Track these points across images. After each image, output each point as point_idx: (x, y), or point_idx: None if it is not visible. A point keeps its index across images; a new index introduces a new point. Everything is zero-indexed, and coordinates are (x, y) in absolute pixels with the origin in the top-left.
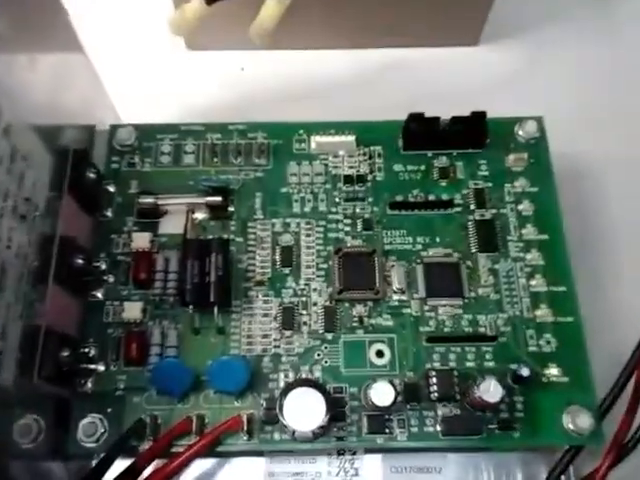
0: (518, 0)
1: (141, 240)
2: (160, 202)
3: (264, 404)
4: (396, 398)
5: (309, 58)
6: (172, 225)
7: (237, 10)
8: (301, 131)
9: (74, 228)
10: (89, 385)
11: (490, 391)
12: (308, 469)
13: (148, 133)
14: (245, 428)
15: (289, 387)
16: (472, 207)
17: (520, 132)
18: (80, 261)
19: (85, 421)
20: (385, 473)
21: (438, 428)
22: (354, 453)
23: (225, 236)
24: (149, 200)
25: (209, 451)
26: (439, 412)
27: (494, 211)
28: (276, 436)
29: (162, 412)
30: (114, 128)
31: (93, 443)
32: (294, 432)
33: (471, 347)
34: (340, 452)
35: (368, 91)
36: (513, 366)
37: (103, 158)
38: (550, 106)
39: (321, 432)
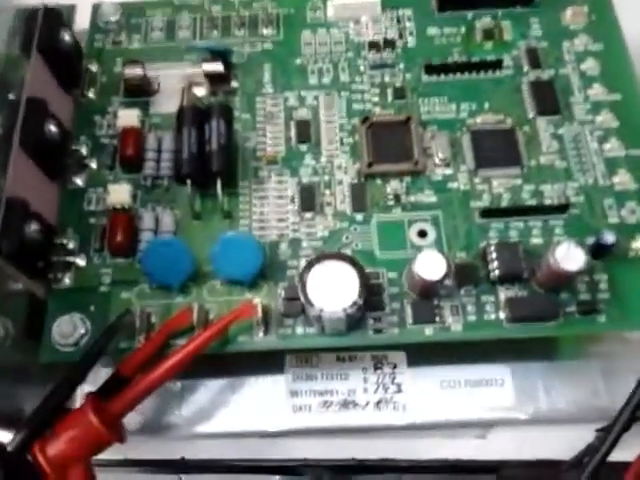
0: None
1: (128, 117)
2: (150, 73)
3: (283, 294)
4: (449, 270)
5: None
6: (165, 104)
7: None
8: None
9: (46, 93)
10: (67, 281)
11: (570, 256)
12: (338, 387)
13: (136, 9)
14: (260, 319)
15: (314, 261)
16: (525, 68)
17: None
18: (53, 129)
19: (61, 319)
20: (434, 389)
21: (502, 315)
22: (395, 367)
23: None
24: (137, 71)
25: (216, 349)
26: (502, 295)
27: (552, 72)
28: (299, 330)
29: (157, 308)
30: (97, 5)
31: (71, 347)
32: (321, 318)
33: (536, 221)
34: (377, 366)
35: None
36: (590, 239)
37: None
38: None
39: (355, 319)
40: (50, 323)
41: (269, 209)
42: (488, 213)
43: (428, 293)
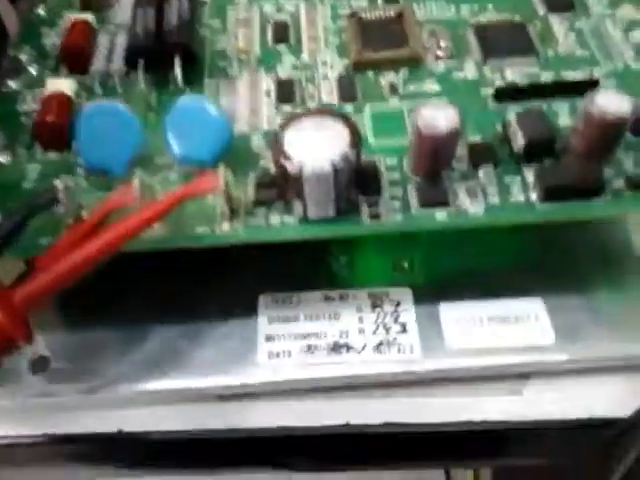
0: None
1: (79, 17)
2: None
3: (254, 182)
4: (460, 126)
5: None
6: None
7: None
8: None
9: None
10: None
11: (613, 100)
12: (326, 328)
13: None
14: (225, 202)
15: (293, 117)
16: None
17: None
18: None
19: None
20: (449, 327)
21: (532, 194)
22: (398, 304)
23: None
24: None
25: (162, 243)
26: (529, 174)
27: None
28: (274, 221)
29: (91, 201)
30: None
31: None
32: (302, 186)
33: (562, 102)
34: (376, 304)
35: None
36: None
37: None
38: None
39: (344, 197)
40: None
41: (239, 103)
42: (503, 94)
43: (437, 164)
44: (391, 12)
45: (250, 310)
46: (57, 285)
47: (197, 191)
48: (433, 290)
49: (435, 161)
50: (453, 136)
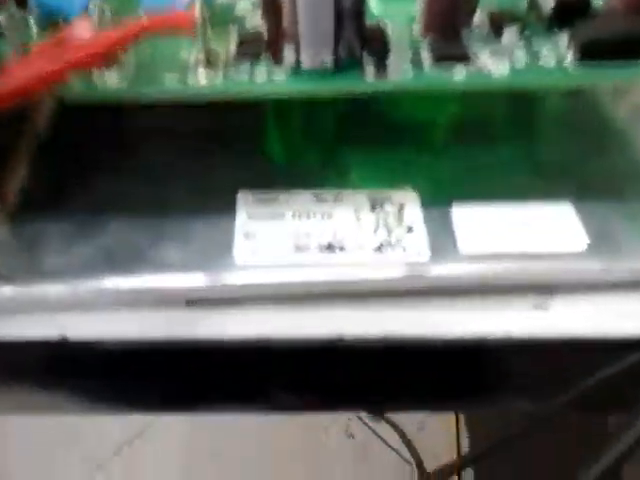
0: None
1: None
2: None
3: (237, 39)
4: None
5: None
6: None
7: None
8: None
9: None
10: None
11: None
12: (317, 228)
13: None
14: (201, 50)
15: None
16: None
17: None
18: None
19: None
20: (462, 229)
21: (567, 54)
22: (402, 206)
23: None
24: None
25: (127, 92)
26: (561, 38)
27: None
28: (259, 75)
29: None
30: None
31: None
32: (295, 8)
33: None
34: (376, 206)
35: None
36: None
37: None
38: None
39: (347, 46)
40: None
41: None
42: None
43: (454, 15)
44: None
45: (227, 207)
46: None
47: (166, 24)
48: (444, 193)
49: (453, 11)
50: None
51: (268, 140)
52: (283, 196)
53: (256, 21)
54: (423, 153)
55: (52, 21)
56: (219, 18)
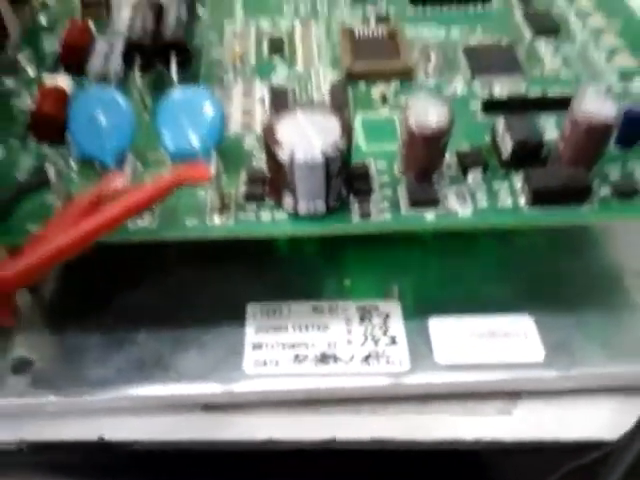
0: None
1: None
2: None
3: (246, 178)
4: (452, 120)
5: None
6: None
7: None
8: None
9: None
10: None
11: (599, 106)
12: (314, 339)
13: None
14: (216, 197)
15: (283, 109)
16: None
17: None
18: None
19: None
20: (438, 341)
21: (521, 199)
22: (387, 317)
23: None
24: None
25: (155, 233)
26: (517, 180)
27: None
28: (264, 216)
29: (82, 190)
30: None
31: None
32: (293, 175)
33: (549, 115)
34: (365, 317)
35: None
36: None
37: None
38: None
39: (336, 191)
40: None
41: (233, 107)
42: (492, 106)
43: (427, 162)
44: (383, 31)
45: (238, 319)
46: (44, 264)
47: (188, 178)
48: (422, 304)
49: (426, 158)
50: (443, 130)
51: (276, 253)
52: (286, 308)
53: (262, 156)
54: (407, 263)
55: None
56: (230, 158)
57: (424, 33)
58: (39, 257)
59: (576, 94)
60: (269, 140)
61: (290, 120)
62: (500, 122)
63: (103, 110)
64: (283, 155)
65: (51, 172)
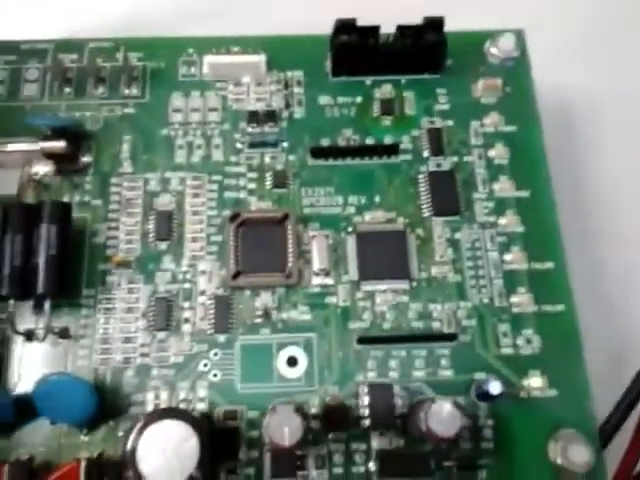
0: None
1: None
2: None
3: (125, 441)
4: (304, 437)
5: None
6: (3, 184)
7: None
8: (190, 49)
9: None
10: None
11: (443, 420)
12: None
13: None
14: None
15: (148, 421)
16: (425, 154)
17: (493, 50)
18: None
19: None
20: None
21: (372, 467)
22: None
23: (70, 199)
24: None
25: None
26: (373, 443)
27: (455, 159)
28: None
29: None
30: None
31: None
32: None
33: (421, 349)
34: None
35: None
36: (479, 376)
37: None
38: (533, 19)
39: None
40: None
41: (115, 326)
42: (367, 340)
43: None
44: (276, 214)
45: None
46: None
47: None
48: None
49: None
50: (296, 446)
51: None
52: None
53: None
54: None
55: None
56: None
57: (320, 202)
58: None
59: (425, 405)
60: (130, 466)
61: (148, 440)
62: (364, 391)
63: None
64: None
65: None
